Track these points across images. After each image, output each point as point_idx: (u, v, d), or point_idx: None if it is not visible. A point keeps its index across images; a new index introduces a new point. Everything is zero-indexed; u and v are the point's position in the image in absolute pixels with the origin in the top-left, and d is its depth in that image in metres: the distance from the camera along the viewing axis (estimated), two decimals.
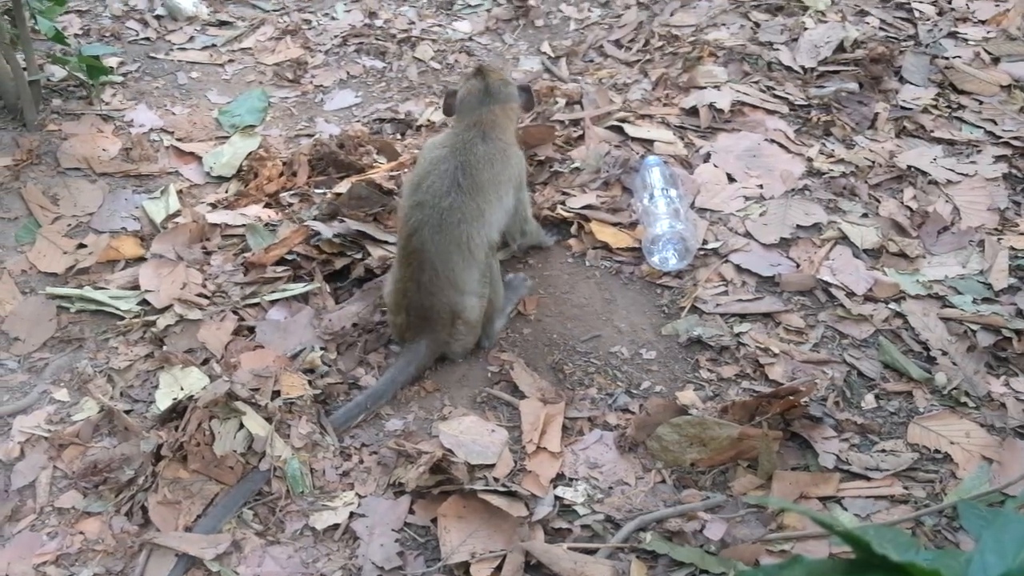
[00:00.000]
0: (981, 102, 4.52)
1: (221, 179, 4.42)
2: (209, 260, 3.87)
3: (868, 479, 2.92)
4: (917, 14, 5.14)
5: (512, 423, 3.18)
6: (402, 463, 3.01)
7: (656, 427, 3.04)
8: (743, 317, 3.49)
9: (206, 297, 3.67)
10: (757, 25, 5.11)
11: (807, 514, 1.56)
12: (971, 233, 3.79)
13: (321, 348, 3.45)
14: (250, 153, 4.48)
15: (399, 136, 4.65)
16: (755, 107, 4.47)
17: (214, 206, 4.20)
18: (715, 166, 4.14)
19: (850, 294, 3.54)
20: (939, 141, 4.30)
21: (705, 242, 3.77)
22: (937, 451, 3.00)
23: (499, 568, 2.68)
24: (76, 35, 5.47)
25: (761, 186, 4.02)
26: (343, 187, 4.11)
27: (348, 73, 5.24)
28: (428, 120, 4.73)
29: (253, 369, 3.27)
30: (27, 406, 3.32)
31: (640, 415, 3.12)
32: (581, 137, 4.34)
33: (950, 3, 5.23)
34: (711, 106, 4.46)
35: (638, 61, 5.07)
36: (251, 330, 3.54)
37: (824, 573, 1.45)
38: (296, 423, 3.10)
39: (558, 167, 4.20)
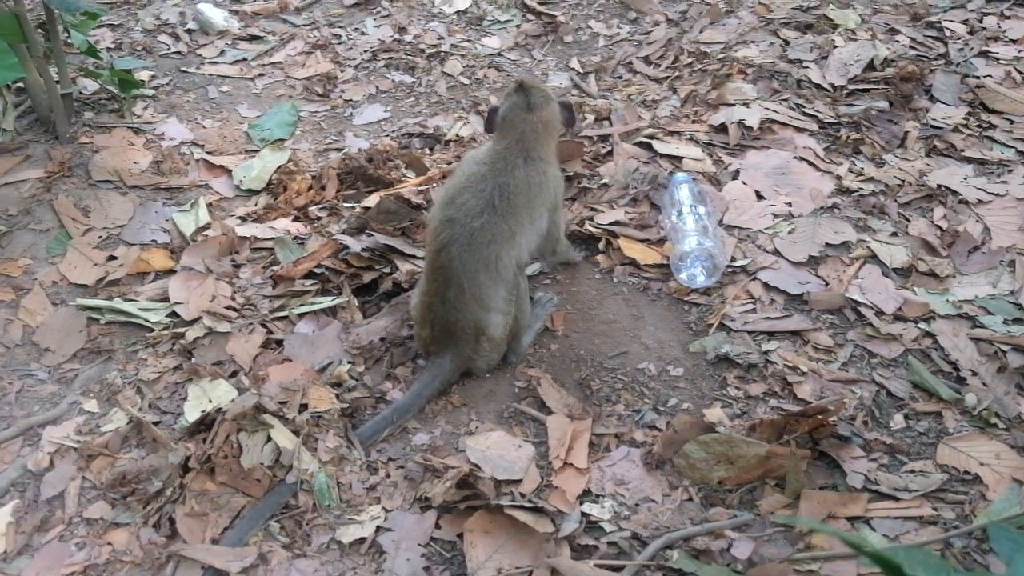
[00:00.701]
0: (1012, 121, 4.50)
1: (251, 192, 4.44)
2: (238, 273, 3.89)
3: (897, 499, 2.89)
4: (948, 33, 5.12)
5: (539, 439, 3.18)
6: (428, 478, 3.01)
7: (683, 444, 3.03)
8: (771, 335, 3.47)
9: (235, 310, 3.69)
10: (786, 43, 5.10)
11: (836, 535, 1.55)
12: (1001, 253, 3.77)
13: (349, 362, 3.45)
14: (279, 167, 4.49)
15: (428, 151, 4.66)
16: (784, 125, 4.46)
17: (243, 219, 4.22)
18: (744, 183, 4.13)
19: (879, 313, 3.52)
20: (969, 160, 4.27)
21: (733, 259, 3.76)
22: (967, 472, 2.98)
23: None
24: (108, 48, 5.52)
25: (790, 204, 4.01)
26: (371, 201, 4.12)
27: (377, 88, 5.26)
28: (456, 135, 4.74)
29: (281, 382, 3.27)
30: (57, 417, 3.34)
31: (667, 432, 3.11)
32: (610, 153, 4.34)
33: (981, 22, 5.20)
34: (740, 123, 4.45)
35: (667, 78, 5.07)
36: (279, 343, 3.56)
37: None
38: (323, 437, 3.11)
39: (586, 183, 4.20)
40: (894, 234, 3.86)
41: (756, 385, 3.30)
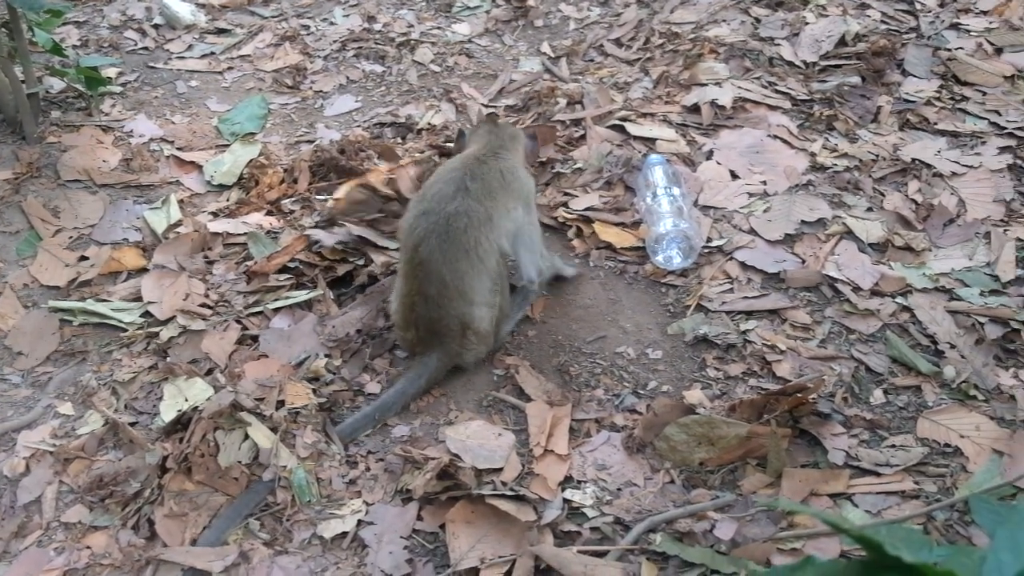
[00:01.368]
0: (984, 93, 4.50)
1: (222, 187, 4.40)
2: (211, 269, 3.85)
3: (878, 475, 2.89)
4: (918, 6, 5.13)
5: (519, 426, 3.17)
6: (409, 470, 2.99)
7: (664, 427, 3.02)
8: (749, 314, 3.47)
9: (209, 307, 3.66)
10: (758, 21, 5.10)
11: (818, 515, 1.54)
12: (977, 225, 3.77)
13: (326, 355, 3.43)
14: (251, 161, 4.46)
15: (400, 140, 4.63)
16: (757, 103, 4.46)
17: (215, 215, 4.18)
18: (718, 163, 4.12)
19: (856, 289, 3.52)
20: (943, 133, 4.28)
21: (709, 240, 3.75)
22: (947, 445, 2.98)
23: (509, 573, 2.66)
24: (74, 46, 5.46)
25: (765, 182, 4.01)
26: (341, 192, 4.09)
27: (348, 78, 5.22)
28: (429, 123, 4.71)
29: (257, 379, 3.25)
30: (31, 421, 3.30)
31: (647, 415, 3.10)
32: (583, 137, 4.32)
33: None
34: (713, 103, 4.44)
35: (639, 59, 5.05)
36: (255, 339, 3.53)
37: (836, 575, 1.43)
38: (301, 432, 3.08)
39: (560, 168, 4.18)
40: (869, 209, 3.86)
41: (735, 365, 3.29)
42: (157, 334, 3.53)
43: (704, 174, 4.06)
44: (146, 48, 5.51)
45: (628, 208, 3.94)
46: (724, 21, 5.15)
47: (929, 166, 4.07)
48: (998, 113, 4.35)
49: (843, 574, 1.43)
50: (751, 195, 3.95)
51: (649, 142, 4.23)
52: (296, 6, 5.95)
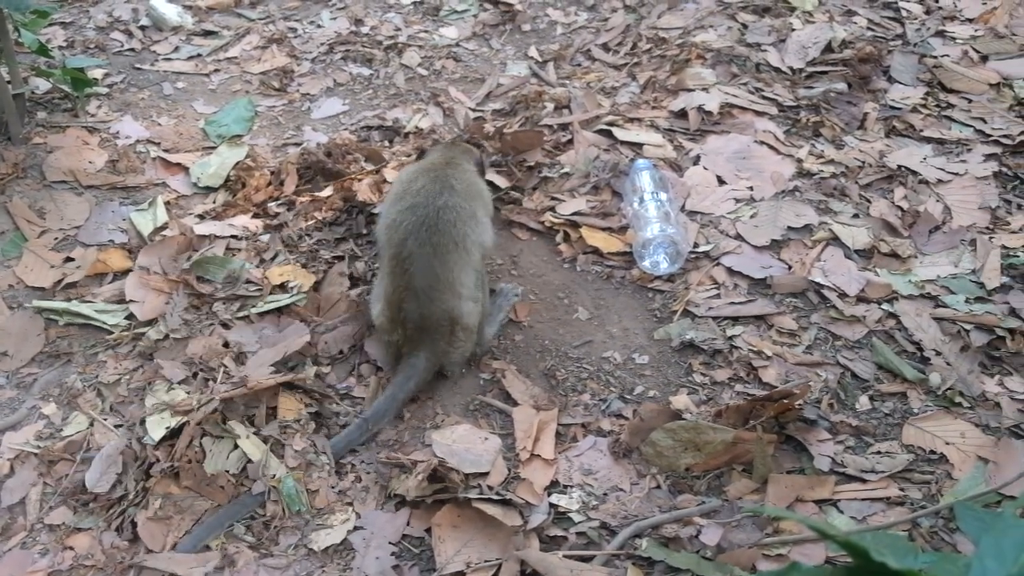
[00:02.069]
0: (970, 100, 4.52)
1: (209, 189, 4.38)
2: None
3: (864, 481, 2.90)
4: (904, 13, 5.14)
5: (505, 431, 3.17)
6: (397, 475, 2.99)
7: (650, 432, 3.02)
8: (735, 320, 3.47)
9: (194, 309, 3.64)
10: (744, 27, 5.11)
11: (803, 522, 1.54)
12: (962, 232, 3.79)
13: (313, 361, 3.41)
14: (237, 163, 4.44)
15: (387, 143, 4.62)
16: (744, 109, 4.46)
17: (202, 217, 4.16)
18: (705, 168, 4.13)
19: (842, 295, 3.53)
20: (929, 140, 4.29)
21: (696, 245, 3.76)
22: (932, 452, 2.99)
23: None
24: (60, 47, 5.44)
25: (751, 188, 4.01)
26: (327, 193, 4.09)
27: (335, 81, 5.21)
28: (416, 127, 4.71)
29: (244, 384, 3.22)
30: (16, 422, 3.28)
31: (634, 420, 3.10)
32: (570, 142, 4.32)
33: (937, 2, 5.23)
34: (700, 108, 4.45)
35: (626, 64, 5.05)
36: (240, 344, 3.51)
37: None
38: (290, 441, 3.07)
39: (547, 172, 4.18)
40: (855, 216, 3.87)
41: (721, 371, 3.30)
42: (143, 336, 3.51)
43: (691, 179, 4.07)
44: (132, 49, 5.49)
45: (615, 213, 3.94)
46: (711, 27, 5.16)
47: (915, 173, 4.08)
48: (984, 120, 4.37)
49: None
50: (738, 201, 3.96)
51: (636, 147, 4.24)
52: (283, 9, 5.94)
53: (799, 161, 4.14)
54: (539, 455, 3.04)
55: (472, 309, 3.29)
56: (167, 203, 4.24)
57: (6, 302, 3.73)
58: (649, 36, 5.19)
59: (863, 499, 2.85)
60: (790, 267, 3.64)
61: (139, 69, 5.30)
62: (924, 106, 4.49)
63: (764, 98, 4.54)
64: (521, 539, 2.78)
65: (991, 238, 3.74)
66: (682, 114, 4.46)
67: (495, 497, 2.85)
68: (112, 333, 3.56)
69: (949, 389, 3.18)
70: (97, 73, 5.17)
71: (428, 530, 2.83)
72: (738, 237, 3.78)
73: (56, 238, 4.04)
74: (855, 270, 3.61)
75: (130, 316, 3.62)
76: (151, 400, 3.24)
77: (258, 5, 5.96)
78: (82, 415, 3.28)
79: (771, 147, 4.22)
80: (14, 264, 3.90)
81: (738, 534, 2.76)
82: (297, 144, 4.68)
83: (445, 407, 3.28)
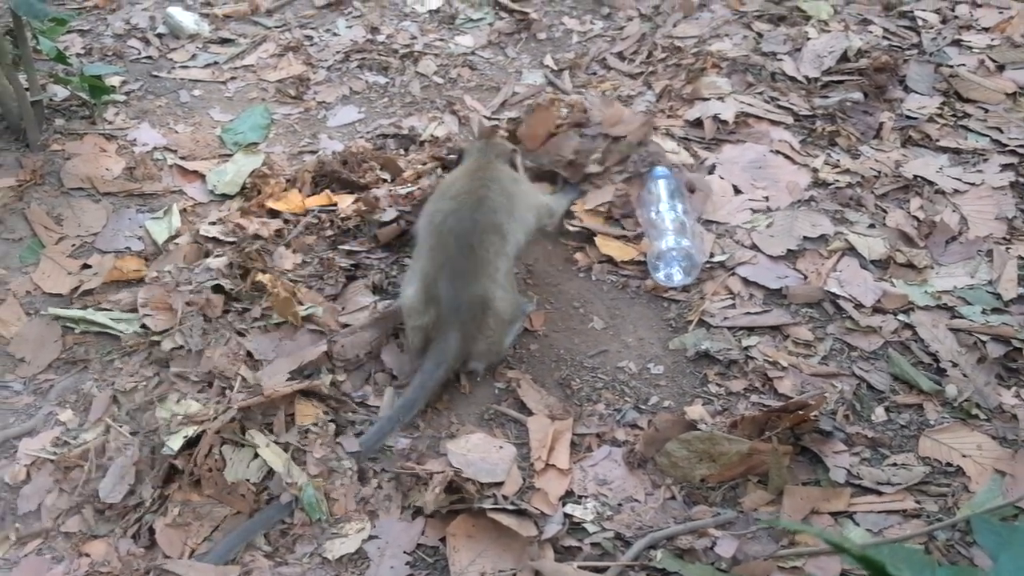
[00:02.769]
0: (986, 110, 4.51)
1: (225, 197, 4.40)
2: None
3: (880, 493, 2.89)
4: (920, 23, 5.13)
5: (520, 440, 3.16)
6: (414, 484, 2.99)
7: (665, 443, 3.02)
8: (751, 330, 3.47)
9: (209, 319, 3.64)
10: (760, 36, 5.10)
11: (819, 535, 1.54)
12: (979, 243, 3.77)
13: (329, 370, 3.42)
14: (253, 171, 4.45)
15: (403, 152, 4.63)
16: (759, 118, 4.46)
17: (215, 224, 4.17)
18: (720, 178, 4.12)
19: (858, 306, 3.52)
20: (945, 150, 4.28)
21: (711, 255, 3.76)
22: (949, 464, 2.98)
23: None
24: (78, 55, 5.47)
25: (767, 198, 4.01)
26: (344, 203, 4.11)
27: (351, 89, 5.23)
28: (432, 135, 4.71)
29: (263, 393, 3.22)
30: (33, 428, 3.30)
31: (649, 431, 3.10)
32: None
33: (953, 11, 5.21)
34: (715, 117, 4.44)
35: (641, 73, 5.06)
36: (258, 353, 3.51)
37: None
38: (311, 449, 3.07)
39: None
40: (871, 226, 3.86)
41: (737, 381, 3.30)
42: (159, 344, 3.52)
43: (707, 189, 4.06)
44: (150, 57, 5.51)
45: (631, 216, 3.93)
46: (726, 36, 5.15)
47: (931, 183, 4.07)
48: (1000, 130, 4.36)
49: None
50: (753, 210, 3.96)
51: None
52: (299, 17, 5.95)
53: (815, 171, 4.13)
54: (554, 465, 3.04)
55: (504, 297, 3.30)
56: (183, 210, 4.25)
57: (24, 308, 3.75)
58: (664, 45, 5.19)
59: (879, 511, 2.84)
60: (806, 277, 3.63)
61: (156, 77, 5.32)
62: (940, 116, 4.47)
63: (780, 107, 4.53)
64: (536, 549, 2.77)
65: (1008, 248, 3.73)
66: (698, 123, 4.46)
67: (510, 507, 2.84)
68: (128, 341, 3.56)
69: (966, 401, 3.17)
70: (114, 80, 5.19)
71: (443, 540, 2.83)
72: (753, 247, 3.77)
73: (73, 245, 4.06)
74: (871, 280, 3.60)
75: (144, 325, 3.62)
76: (167, 409, 3.25)
77: (275, 13, 5.98)
78: (99, 422, 3.28)
79: (787, 157, 4.21)
80: (32, 271, 3.92)
81: (753, 546, 2.75)
82: (313, 152, 4.69)
83: (460, 416, 3.28)
